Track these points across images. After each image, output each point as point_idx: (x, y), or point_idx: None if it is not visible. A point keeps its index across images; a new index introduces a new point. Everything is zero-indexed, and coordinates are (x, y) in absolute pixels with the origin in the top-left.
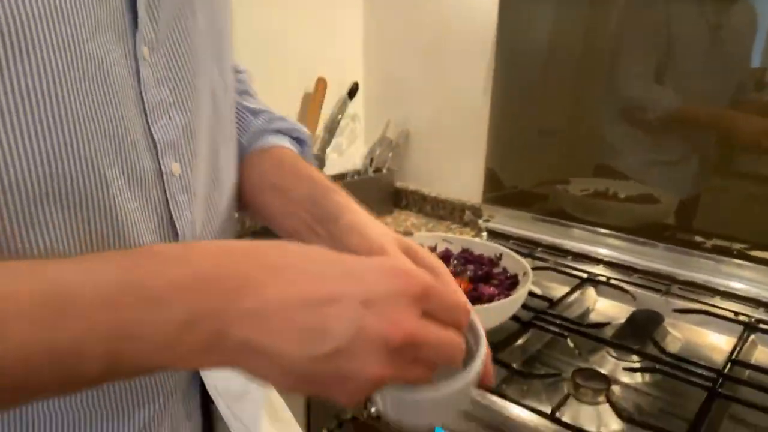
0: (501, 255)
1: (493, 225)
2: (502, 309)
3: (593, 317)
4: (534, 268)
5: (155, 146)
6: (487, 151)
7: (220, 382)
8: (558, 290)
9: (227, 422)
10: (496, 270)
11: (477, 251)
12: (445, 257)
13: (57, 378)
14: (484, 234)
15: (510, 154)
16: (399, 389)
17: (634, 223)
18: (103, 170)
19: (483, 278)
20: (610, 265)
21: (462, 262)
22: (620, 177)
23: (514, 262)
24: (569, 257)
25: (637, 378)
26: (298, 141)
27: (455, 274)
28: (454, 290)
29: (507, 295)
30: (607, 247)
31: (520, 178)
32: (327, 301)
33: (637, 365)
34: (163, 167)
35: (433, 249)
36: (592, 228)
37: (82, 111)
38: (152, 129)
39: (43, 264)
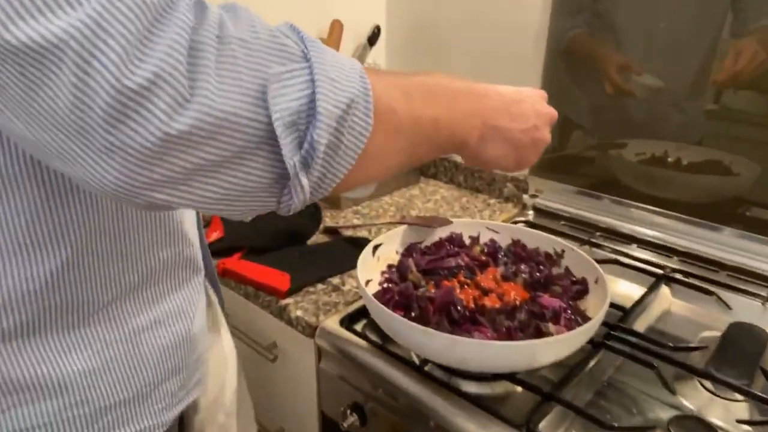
0: (563, 252)
1: (542, 201)
2: (576, 339)
3: (671, 327)
4: (595, 260)
5: None
6: None
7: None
8: (622, 288)
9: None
10: (555, 270)
11: (531, 244)
12: (492, 252)
13: (431, 143)
14: (530, 213)
15: (563, 112)
16: None
17: (704, 198)
18: None
19: (542, 283)
20: (686, 256)
21: (513, 260)
22: (681, 138)
23: (580, 261)
24: (633, 245)
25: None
26: None
27: (505, 278)
28: None
29: (575, 309)
30: (678, 233)
31: (572, 142)
32: (520, 101)
33: (745, 407)
34: None
35: (475, 239)
36: (656, 208)
37: None
38: None
39: (414, 75)
